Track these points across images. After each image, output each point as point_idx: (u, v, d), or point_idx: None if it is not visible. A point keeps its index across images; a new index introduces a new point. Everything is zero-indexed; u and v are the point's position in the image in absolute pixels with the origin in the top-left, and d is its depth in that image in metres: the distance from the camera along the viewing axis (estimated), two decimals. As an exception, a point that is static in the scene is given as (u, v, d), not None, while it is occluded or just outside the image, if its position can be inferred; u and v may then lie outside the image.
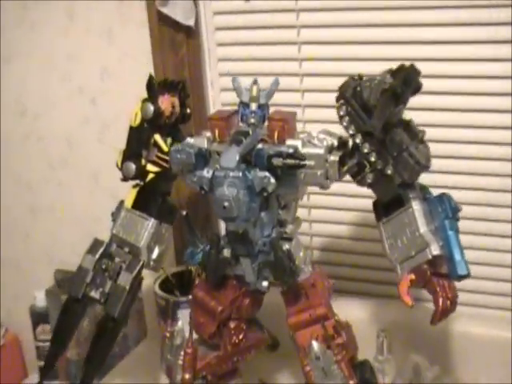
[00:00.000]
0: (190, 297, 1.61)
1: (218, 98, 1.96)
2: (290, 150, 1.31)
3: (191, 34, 1.88)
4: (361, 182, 1.32)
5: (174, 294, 1.76)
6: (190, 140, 1.48)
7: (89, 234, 1.57)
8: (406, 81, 1.20)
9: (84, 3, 1.91)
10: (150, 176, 1.53)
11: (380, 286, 1.84)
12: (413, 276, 1.31)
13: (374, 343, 1.80)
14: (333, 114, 1.76)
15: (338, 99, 1.33)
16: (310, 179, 1.36)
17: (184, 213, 1.50)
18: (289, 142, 1.38)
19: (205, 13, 1.90)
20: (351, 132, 1.32)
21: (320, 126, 1.81)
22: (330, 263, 1.88)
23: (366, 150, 1.31)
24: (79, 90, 2.03)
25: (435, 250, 1.30)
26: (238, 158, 1.35)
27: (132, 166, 1.52)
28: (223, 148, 1.40)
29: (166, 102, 1.47)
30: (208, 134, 1.46)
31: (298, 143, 1.36)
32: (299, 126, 1.77)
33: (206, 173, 1.39)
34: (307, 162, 1.30)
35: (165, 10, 1.79)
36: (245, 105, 1.41)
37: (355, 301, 1.80)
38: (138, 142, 1.53)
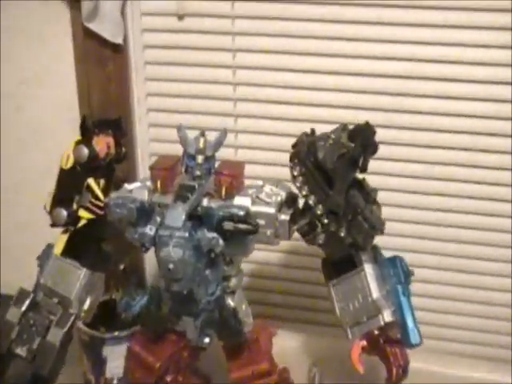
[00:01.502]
0: (117, 333, 1.57)
1: (145, 117, 1.87)
2: (241, 213, 1.25)
3: (119, 49, 1.78)
4: (311, 241, 1.26)
5: (99, 328, 1.65)
6: (127, 187, 1.38)
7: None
8: (364, 145, 1.15)
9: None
10: (82, 222, 1.42)
11: (314, 314, 1.81)
12: (365, 343, 1.29)
13: (306, 375, 1.78)
14: (266, 140, 1.72)
15: (291, 158, 1.27)
16: (259, 238, 1.30)
17: (122, 267, 1.41)
18: (238, 199, 1.31)
19: (133, 29, 1.79)
20: (304, 193, 1.26)
21: (254, 153, 1.79)
22: (260, 289, 1.83)
23: (319, 212, 1.26)
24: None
25: (387, 316, 1.27)
26: (184, 217, 1.27)
27: (63, 213, 1.41)
28: (166, 200, 1.33)
29: (101, 143, 1.38)
30: (148, 182, 1.37)
31: (247, 201, 1.29)
32: (231, 152, 1.72)
33: (149, 230, 1.30)
34: (259, 223, 1.23)
35: (91, 26, 1.70)
36: (190, 156, 1.32)
37: (288, 329, 1.75)
38: (69, 186, 1.41)
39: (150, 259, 1.83)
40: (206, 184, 1.32)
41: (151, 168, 1.35)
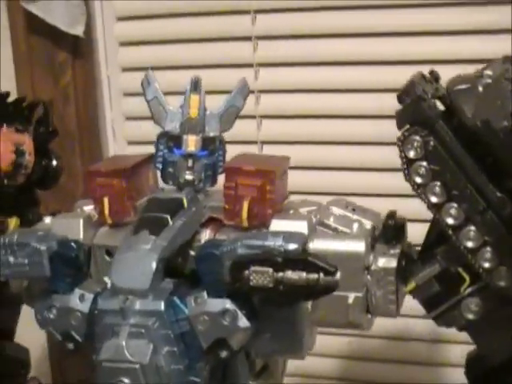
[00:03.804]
0: None
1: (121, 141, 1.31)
2: (294, 247, 0.51)
3: (80, 48, 1.28)
4: (448, 320, 0.61)
5: None
6: (47, 221, 0.68)
7: None
8: None
9: None
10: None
11: None
12: None
13: None
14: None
15: (404, 125, 0.55)
16: (328, 312, 0.58)
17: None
18: (278, 224, 0.56)
19: (103, 17, 1.29)
20: (436, 200, 0.52)
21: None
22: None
23: (471, 244, 0.52)
24: None
25: None
26: (154, 267, 0.55)
27: None
28: (119, 241, 0.62)
29: (3, 145, 0.76)
30: (87, 207, 0.64)
31: (301, 227, 0.56)
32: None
33: (79, 301, 0.57)
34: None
35: (34, 9, 1.21)
36: (172, 140, 0.60)
37: None
38: None
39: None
40: (207, 198, 0.65)
41: (88, 173, 0.64)
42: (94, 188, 0.65)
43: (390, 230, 0.61)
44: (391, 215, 0.62)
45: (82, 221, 0.65)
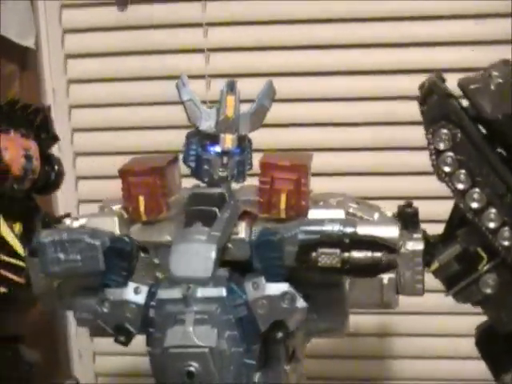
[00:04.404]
0: None
1: (72, 171, 1.28)
2: (361, 231, 0.56)
3: (27, 61, 1.25)
4: (465, 296, 0.67)
5: None
6: (69, 223, 0.68)
7: None
8: None
9: None
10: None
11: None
12: None
13: None
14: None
15: (431, 120, 0.61)
16: (361, 293, 0.63)
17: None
18: (316, 213, 0.61)
19: (47, 30, 1.26)
20: (462, 186, 0.59)
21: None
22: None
23: (492, 225, 0.59)
24: None
25: None
26: (214, 256, 0.58)
27: None
28: (160, 233, 0.65)
29: (13, 148, 0.75)
30: (116, 207, 0.66)
31: (339, 214, 0.60)
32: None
33: (134, 293, 0.58)
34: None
35: None
36: (206, 139, 0.63)
37: None
38: None
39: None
40: (240, 192, 0.69)
41: (124, 174, 0.65)
42: (127, 187, 0.67)
43: (408, 217, 0.68)
44: (408, 205, 0.68)
45: (116, 219, 0.67)
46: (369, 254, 0.56)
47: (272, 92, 0.69)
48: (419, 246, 0.65)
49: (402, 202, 0.69)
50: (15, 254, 0.72)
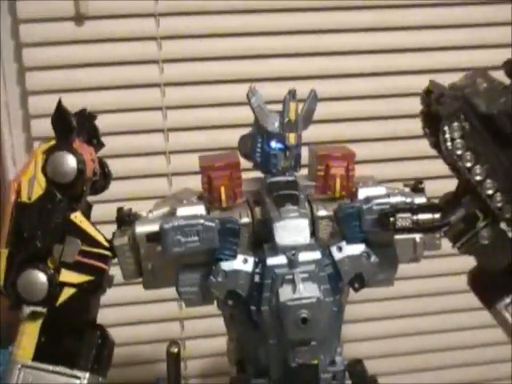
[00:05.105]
0: None
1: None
2: (417, 200, 0.76)
3: None
4: (467, 247, 0.87)
5: None
6: (150, 215, 0.81)
7: None
8: None
9: None
10: (68, 294, 0.79)
11: None
12: None
13: None
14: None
15: (444, 118, 0.82)
16: (401, 250, 0.83)
17: (175, 349, 0.80)
18: (366, 191, 0.80)
19: None
20: (468, 164, 0.80)
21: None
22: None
23: (489, 192, 0.81)
24: None
25: None
26: (308, 227, 0.75)
27: (40, 280, 0.78)
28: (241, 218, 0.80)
29: (85, 152, 0.84)
30: (194, 198, 0.80)
31: (382, 190, 0.81)
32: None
33: (244, 263, 0.74)
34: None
35: None
36: (273, 137, 0.79)
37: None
38: (40, 231, 0.78)
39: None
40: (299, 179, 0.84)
41: (205, 169, 0.79)
42: (209, 180, 0.80)
43: (421, 191, 0.88)
44: (420, 181, 0.89)
45: (203, 207, 0.81)
46: (430, 215, 0.76)
47: (316, 96, 0.85)
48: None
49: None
50: (97, 243, 0.83)
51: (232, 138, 0.86)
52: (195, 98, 1.36)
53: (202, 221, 0.74)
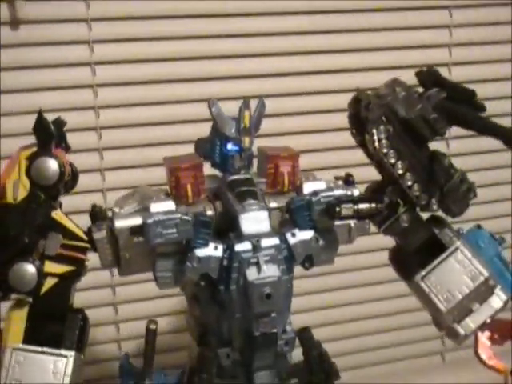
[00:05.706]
0: None
1: None
2: (355, 192, 0.93)
3: None
4: (390, 230, 1.04)
5: None
6: (121, 211, 0.93)
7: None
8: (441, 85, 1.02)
9: None
10: (51, 283, 0.90)
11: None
12: (488, 333, 1.03)
13: None
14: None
15: (372, 121, 0.98)
16: (339, 233, 0.97)
17: (154, 326, 0.92)
18: (310, 185, 0.95)
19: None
20: (393, 161, 0.98)
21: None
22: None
23: (409, 183, 0.99)
24: None
25: (503, 294, 1.04)
26: (268, 217, 0.88)
27: (30, 271, 0.88)
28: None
29: (62, 156, 0.94)
30: (161, 194, 0.93)
31: (322, 185, 0.96)
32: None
33: (214, 249, 0.87)
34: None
35: None
36: (230, 141, 0.93)
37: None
38: (29, 229, 0.88)
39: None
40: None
41: (173, 170, 0.92)
42: (179, 177, 0.91)
43: (352, 184, 1.04)
44: (349, 174, 1.04)
45: (172, 202, 0.92)
46: (369, 205, 0.91)
47: (264, 104, 0.98)
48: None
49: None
50: (76, 237, 0.93)
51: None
52: (128, 98, 1.45)
53: (179, 215, 0.86)
